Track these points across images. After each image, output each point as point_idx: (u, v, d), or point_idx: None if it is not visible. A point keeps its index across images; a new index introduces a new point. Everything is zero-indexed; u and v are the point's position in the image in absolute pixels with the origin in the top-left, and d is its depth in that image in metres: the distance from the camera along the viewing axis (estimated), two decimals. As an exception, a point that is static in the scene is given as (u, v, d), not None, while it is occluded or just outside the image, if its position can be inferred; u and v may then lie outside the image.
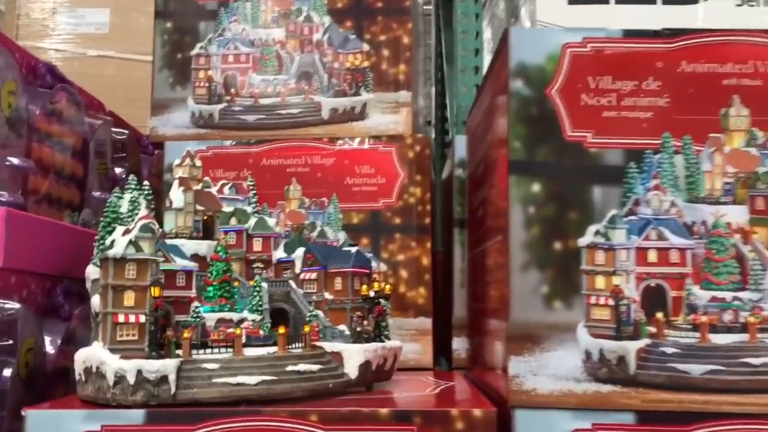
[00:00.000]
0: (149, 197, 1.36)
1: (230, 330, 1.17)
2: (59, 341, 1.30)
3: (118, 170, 1.75)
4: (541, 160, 1.02)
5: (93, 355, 1.03)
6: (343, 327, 1.27)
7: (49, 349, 1.28)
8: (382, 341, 1.27)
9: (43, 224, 1.32)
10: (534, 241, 1.00)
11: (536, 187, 1.01)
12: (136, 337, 1.04)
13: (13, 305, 1.16)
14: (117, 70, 2.41)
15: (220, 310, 1.21)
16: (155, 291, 1.04)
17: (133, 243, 1.05)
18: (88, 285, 1.21)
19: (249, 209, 1.43)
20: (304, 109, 1.74)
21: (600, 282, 0.99)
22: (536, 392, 0.97)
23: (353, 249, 1.35)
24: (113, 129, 1.76)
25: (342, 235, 1.60)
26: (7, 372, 1.13)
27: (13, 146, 1.30)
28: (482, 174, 1.33)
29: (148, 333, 1.04)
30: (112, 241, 1.08)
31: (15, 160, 1.29)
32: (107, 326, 1.03)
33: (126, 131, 1.80)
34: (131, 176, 1.39)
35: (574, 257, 1.00)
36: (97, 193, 1.62)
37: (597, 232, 1.00)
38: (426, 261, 1.64)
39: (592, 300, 0.99)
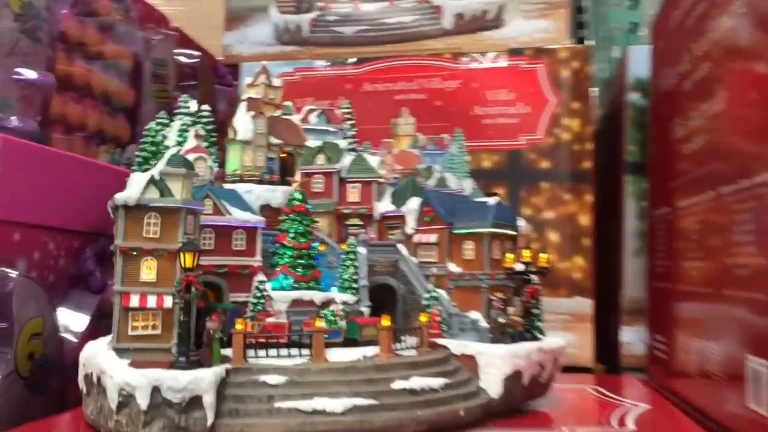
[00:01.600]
0: (208, 126, 0.98)
1: (272, 319, 0.76)
2: (87, 321, 0.95)
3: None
4: None
5: (95, 356, 0.66)
6: (476, 315, 0.86)
7: (72, 333, 0.93)
8: (536, 338, 0.85)
9: (72, 163, 0.96)
10: None
11: None
12: (158, 331, 0.66)
13: (7, 273, 0.81)
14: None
15: (297, 286, 0.82)
16: (187, 258, 0.65)
17: (155, 182, 0.67)
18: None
19: (343, 144, 1.03)
20: (420, 15, 1.31)
21: None
22: None
23: (491, 200, 0.92)
24: (182, 51, 1.40)
25: (469, 184, 1.19)
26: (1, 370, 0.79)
27: (27, 55, 0.94)
28: (695, 93, 0.85)
29: (176, 325, 0.65)
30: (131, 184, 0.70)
31: (29, 74, 0.94)
32: (117, 312, 0.66)
33: (197, 53, 1.43)
34: (183, 97, 1.02)
35: None
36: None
37: None
38: (585, 220, 1.19)
39: None
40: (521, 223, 1.13)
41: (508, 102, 1.24)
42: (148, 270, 0.66)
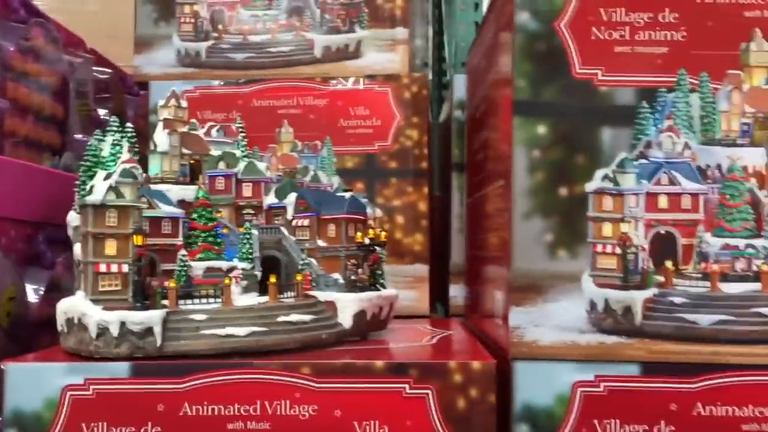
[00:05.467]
0: (133, 140, 1.29)
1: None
2: (43, 290, 1.25)
3: (101, 112, 1.67)
4: (548, 99, 0.95)
5: (75, 306, 0.98)
6: (337, 275, 1.23)
7: (33, 298, 1.23)
8: (378, 290, 1.23)
9: (22, 168, 1.25)
10: (538, 187, 0.95)
11: (542, 129, 0.95)
12: (119, 287, 0.99)
13: (-9, 253, 1.11)
14: (100, 6, 2.30)
15: (207, 258, 1.16)
16: (138, 239, 0.98)
17: (113, 189, 1.00)
18: (70, 232, 1.16)
19: (238, 153, 1.36)
20: (296, 46, 1.66)
21: (607, 229, 0.94)
22: (537, 344, 0.93)
23: (347, 194, 1.29)
24: (96, 68, 1.68)
25: (336, 180, 1.54)
26: (-13, 322, 1.09)
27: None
28: (483, 115, 1.26)
29: (131, 283, 0.99)
30: (92, 187, 1.02)
31: (-13, 101, 1.22)
32: (88, 276, 0.98)
33: (109, 70, 1.72)
34: (113, 117, 1.32)
35: (581, 203, 0.95)
36: (79, 136, 1.55)
37: (605, 177, 0.94)
38: (423, 206, 1.58)
39: (599, 248, 0.94)
40: (370, 209, 1.51)
41: (365, 116, 1.61)
42: (110, 247, 0.98)
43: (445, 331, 1.27)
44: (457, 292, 1.62)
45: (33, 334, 1.22)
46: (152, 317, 0.96)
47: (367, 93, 1.61)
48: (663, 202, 0.94)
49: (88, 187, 1.05)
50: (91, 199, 0.98)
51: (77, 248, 1.08)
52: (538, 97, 0.95)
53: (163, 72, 1.67)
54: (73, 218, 1.14)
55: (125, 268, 0.99)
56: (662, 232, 0.94)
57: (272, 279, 1.11)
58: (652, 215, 0.95)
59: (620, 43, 0.96)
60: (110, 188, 0.99)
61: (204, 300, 1.05)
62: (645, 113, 0.95)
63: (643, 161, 0.95)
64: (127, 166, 1.16)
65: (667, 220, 0.94)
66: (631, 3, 0.96)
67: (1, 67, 1.27)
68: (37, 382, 0.92)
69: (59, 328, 1.03)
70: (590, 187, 0.94)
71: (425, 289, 1.57)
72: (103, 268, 0.98)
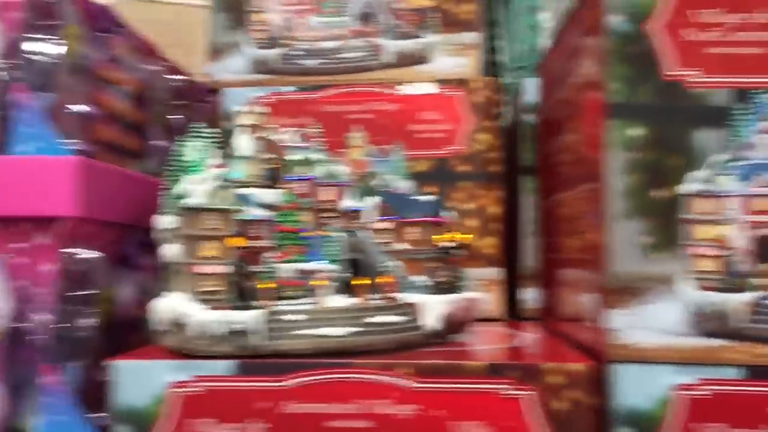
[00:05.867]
0: (219, 145, 1.33)
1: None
2: (133, 291, 1.29)
3: (178, 118, 1.71)
4: (640, 101, 0.96)
5: (176, 306, 1.01)
6: (421, 278, 1.24)
7: (124, 298, 1.27)
8: (460, 292, 1.24)
9: (115, 173, 1.29)
10: (633, 189, 0.95)
11: (635, 131, 0.95)
12: (220, 288, 1.02)
13: (94, 254, 1.15)
14: (174, 15, 2.36)
15: (297, 260, 1.18)
16: (239, 241, 1.01)
17: (212, 192, 1.03)
18: (158, 234, 1.19)
19: (317, 157, 1.39)
20: (366, 52, 1.68)
21: (704, 231, 0.94)
22: (636, 347, 0.94)
23: (426, 198, 1.31)
24: (170, 76, 1.72)
25: (409, 184, 1.56)
26: (90, 321, 1.13)
27: (79, 94, 1.27)
28: (561, 119, 1.26)
29: (232, 284, 1.01)
30: (189, 191, 1.05)
31: (83, 108, 1.26)
32: (189, 277, 1.01)
33: (183, 77, 1.76)
34: (196, 123, 1.35)
35: (677, 206, 0.94)
36: (158, 142, 1.59)
37: (701, 179, 0.94)
38: (495, 210, 1.59)
39: (696, 251, 0.94)
40: (450, 213, 1.52)
41: (435, 121, 1.62)
42: (210, 249, 1.01)
43: (526, 333, 1.27)
44: (528, 295, 1.62)
45: (123, 335, 1.26)
46: (253, 317, 0.98)
47: (438, 97, 1.62)
48: (762, 204, 0.94)
49: (180, 191, 1.08)
50: (191, 202, 1.01)
51: (168, 250, 1.11)
52: (630, 99, 0.96)
53: (236, 79, 1.71)
54: (162, 221, 1.18)
55: (225, 269, 1.01)
56: (761, 233, 0.94)
57: (362, 280, 1.13)
58: (750, 217, 0.94)
59: (713, 44, 0.96)
60: (209, 192, 1.02)
61: (298, 301, 1.07)
62: (740, 115, 0.94)
63: (740, 163, 0.95)
64: (222, 170, 1.20)
65: (766, 222, 0.94)
66: (724, 4, 0.96)
67: (92, 77, 1.31)
68: (145, 379, 0.95)
69: (157, 327, 1.06)
70: (686, 189, 0.94)
71: (498, 292, 1.58)
72: (203, 269, 1.01)
